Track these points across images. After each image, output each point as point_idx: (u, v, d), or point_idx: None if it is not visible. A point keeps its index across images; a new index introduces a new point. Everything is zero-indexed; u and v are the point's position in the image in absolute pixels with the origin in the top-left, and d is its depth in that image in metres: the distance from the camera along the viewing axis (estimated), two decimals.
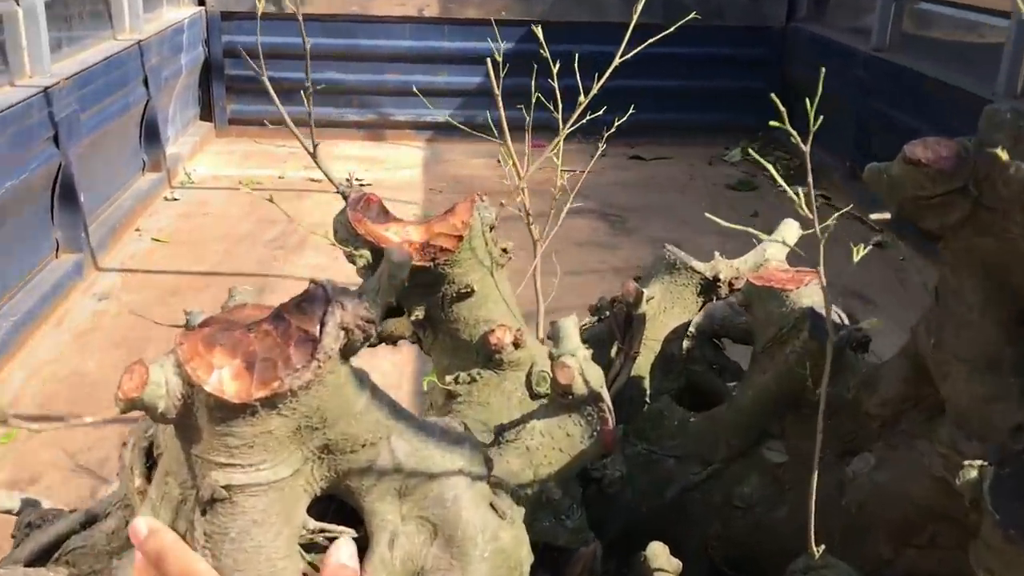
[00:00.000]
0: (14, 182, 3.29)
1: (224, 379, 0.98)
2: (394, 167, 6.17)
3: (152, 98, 4.95)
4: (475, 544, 1.09)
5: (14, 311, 3.38)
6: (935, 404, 1.40)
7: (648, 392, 1.64)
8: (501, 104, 1.90)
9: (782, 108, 1.17)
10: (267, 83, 1.58)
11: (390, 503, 1.10)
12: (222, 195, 5.08)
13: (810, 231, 1.59)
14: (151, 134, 5.02)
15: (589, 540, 1.48)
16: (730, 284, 1.66)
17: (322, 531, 1.10)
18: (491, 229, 1.57)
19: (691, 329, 1.90)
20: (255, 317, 1.05)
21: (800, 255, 1.53)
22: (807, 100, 1.12)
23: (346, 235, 1.51)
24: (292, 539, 1.06)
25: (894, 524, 1.40)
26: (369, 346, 1.45)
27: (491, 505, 1.13)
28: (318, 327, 1.00)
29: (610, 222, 5.38)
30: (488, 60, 1.84)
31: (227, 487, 1.01)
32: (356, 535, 1.11)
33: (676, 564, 1.36)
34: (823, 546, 1.33)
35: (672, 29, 2.00)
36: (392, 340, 1.71)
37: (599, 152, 2.07)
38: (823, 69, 1.45)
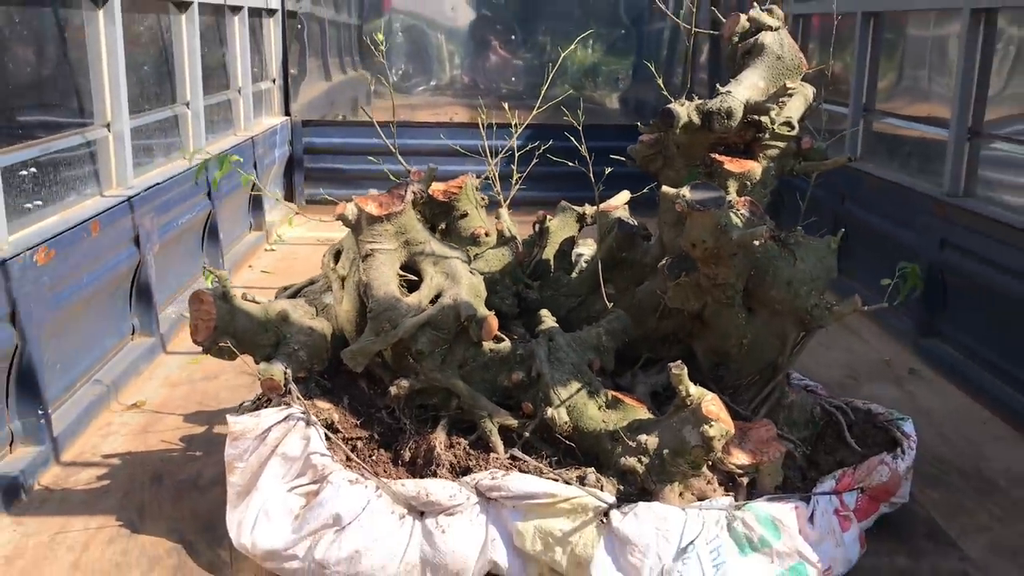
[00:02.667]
0: (186, 219, 5.14)
1: (371, 207, 2.78)
2: None
3: (258, 179, 6.85)
4: (462, 278, 2.84)
5: (181, 302, 5.16)
6: None
7: (552, 268, 3.38)
8: (486, 143, 3.69)
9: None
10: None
11: (431, 265, 2.87)
12: (306, 249, 6.91)
13: (638, 193, 3.42)
14: (256, 205, 6.92)
15: (519, 325, 3.21)
16: (592, 217, 3.42)
17: (404, 276, 2.89)
18: (477, 188, 3.36)
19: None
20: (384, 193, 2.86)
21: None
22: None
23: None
24: (395, 273, 2.83)
25: (652, 307, 3.12)
26: None
27: (470, 270, 2.90)
28: (404, 191, 2.81)
29: None
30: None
31: (371, 251, 2.80)
32: (416, 279, 2.88)
33: (554, 320, 3.07)
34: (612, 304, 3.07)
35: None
36: None
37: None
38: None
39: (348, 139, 8.42)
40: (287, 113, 8.26)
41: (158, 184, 4.66)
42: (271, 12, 7.81)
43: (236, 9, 6.68)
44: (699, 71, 8.42)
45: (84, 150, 4.11)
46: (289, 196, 8.34)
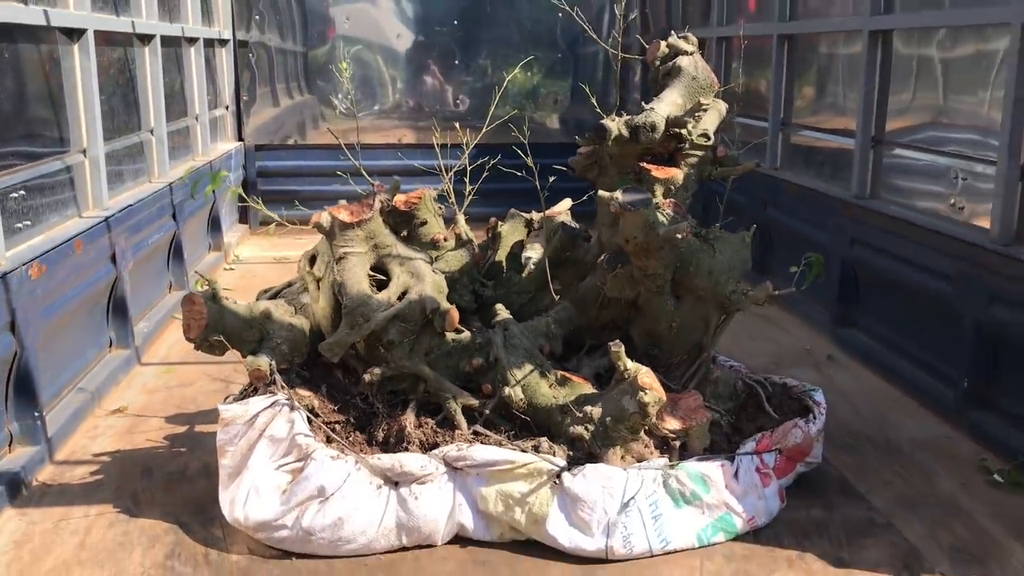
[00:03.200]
0: (154, 239, 5.43)
1: (343, 215, 3.15)
2: None
3: (216, 201, 7.15)
4: (426, 277, 3.22)
5: (151, 319, 5.45)
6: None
7: (504, 269, 3.77)
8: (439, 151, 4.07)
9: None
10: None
11: (398, 266, 3.25)
12: (262, 267, 7.23)
13: (579, 201, 3.83)
14: (215, 226, 7.21)
15: (476, 320, 3.59)
16: (539, 223, 3.82)
17: (373, 276, 3.25)
18: (436, 199, 3.74)
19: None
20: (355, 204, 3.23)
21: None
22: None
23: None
24: (365, 273, 3.20)
25: (594, 299, 3.52)
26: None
27: (432, 270, 3.27)
28: (372, 200, 3.19)
29: None
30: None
31: (344, 255, 3.16)
32: (385, 278, 3.25)
33: (508, 313, 3.45)
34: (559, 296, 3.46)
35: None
36: None
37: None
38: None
39: (299, 162, 8.77)
40: (240, 138, 8.57)
41: (131, 206, 4.96)
42: (223, 42, 8.14)
43: (192, 40, 7.00)
44: (632, 91, 8.93)
45: (64, 175, 4.41)
46: (243, 218, 8.64)
